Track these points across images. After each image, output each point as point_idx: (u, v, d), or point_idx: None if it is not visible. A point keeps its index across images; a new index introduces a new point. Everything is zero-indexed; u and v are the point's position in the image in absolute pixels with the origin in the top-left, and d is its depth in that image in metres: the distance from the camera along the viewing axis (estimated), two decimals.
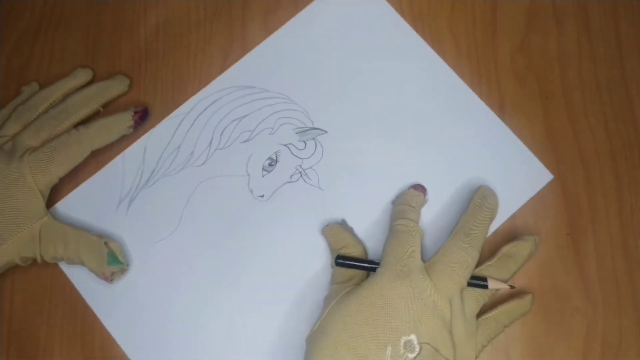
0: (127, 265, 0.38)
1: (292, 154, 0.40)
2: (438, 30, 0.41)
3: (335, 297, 0.33)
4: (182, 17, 0.43)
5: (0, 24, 0.44)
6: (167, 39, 0.43)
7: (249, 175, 0.39)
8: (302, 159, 0.40)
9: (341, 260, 0.35)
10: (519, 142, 0.39)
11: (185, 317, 0.37)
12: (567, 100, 0.39)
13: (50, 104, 0.40)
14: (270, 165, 0.39)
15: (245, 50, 0.42)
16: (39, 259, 0.37)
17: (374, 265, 0.34)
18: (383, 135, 0.39)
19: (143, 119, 0.40)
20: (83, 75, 0.41)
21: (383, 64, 0.41)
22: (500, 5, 0.41)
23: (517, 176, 0.38)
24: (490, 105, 0.39)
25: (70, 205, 0.40)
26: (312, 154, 0.39)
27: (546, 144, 0.39)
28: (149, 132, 0.40)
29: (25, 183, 0.37)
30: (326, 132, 0.40)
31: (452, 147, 0.39)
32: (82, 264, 0.37)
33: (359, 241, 0.37)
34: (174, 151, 0.40)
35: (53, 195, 0.40)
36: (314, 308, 0.36)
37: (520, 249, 0.35)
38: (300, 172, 0.39)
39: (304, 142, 0.40)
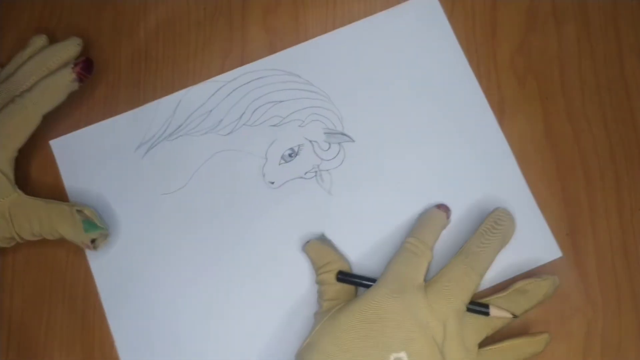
0: (107, 229, 0.37)
1: (314, 151, 0.40)
2: None
3: (327, 314, 0.33)
4: (182, 17, 0.43)
5: (0, 24, 0.44)
6: (167, 39, 0.43)
7: (266, 159, 0.40)
8: (322, 159, 0.39)
9: (342, 277, 0.35)
10: (539, 213, 0.37)
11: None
12: (567, 100, 0.39)
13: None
14: (290, 155, 0.39)
15: (245, 50, 0.42)
16: (17, 238, 0.36)
17: (374, 282, 0.34)
18: (406, 159, 0.39)
19: (87, 70, 0.38)
20: (37, 42, 0.40)
21: (428, 92, 0.40)
22: (500, 5, 0.41)
23: (526, 243, 0.36)
24: (491, 105, 0.39)
25: (95, 134, 0.41)
26: (334, 158, 0.39)
27: (546, 144, 0.39)
28: (187, 89, 0.41)
29: None
30: (353, 141, 0.40)
31: (472, 186, 0.38)
32: (61, 236, 0.36)
33: (342, 256, 0.36)
34: (204, 114, 0.41)
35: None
36: (302, 307, 0.36)
37: (537, 287, 0.33)
38: (316, 172, 0.39)
39: (329, 143, 0.40)
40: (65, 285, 0.39)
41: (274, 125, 0.40)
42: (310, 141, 0.40)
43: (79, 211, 0.36)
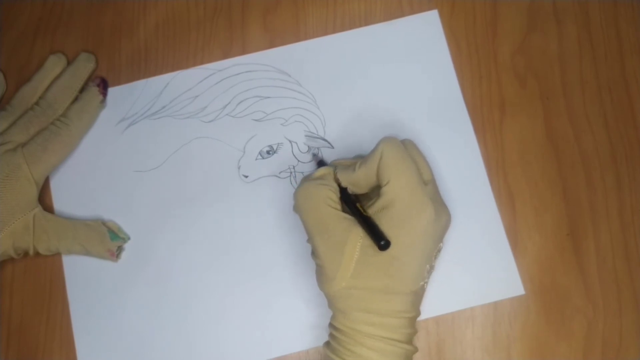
0: (129, 237, 0.39)
1: (292, 152, 0.40)
2: None
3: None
4: (182, 16, 0.43)
5: (0, 24, 0.44)
6: (167, 39, 0.43)
7: (244, 152, 0.40)
8: (298, 161, 0.40)
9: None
10: (508, 249, 0.37)
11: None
12: (567, 100, 0.39)
13: (36, 100, 0.40)
14: (268, 152, 0.40)
15: (245, 50, 0.42)
16: (31, 251, 0.37)
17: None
18: None
19: (106, 88, 0.41)
20: (57, 63, 0.42)
21: (415, 109, 0.40)
22: (500, 5, 0.41)
23: (492, 275, 0.37)
24: (491, 105, 0.39)
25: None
26: (310, 161, 0.39)
27: (547, 144, 0.39)
28: (177, 72, 0.41)
29: (21, 173, 0.37)
30: (332, 147, 0.40)
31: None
32: (86, 251, 0.38)
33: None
34: (190, 98, 0.41)
35: None
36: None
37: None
38: (291, 172, 0.39)
39: (308, 146, 0.40)
40: (66, 285, 0.39)
41: (256, 120, 0.40)
42: (290, 141, 0.40)
43: (102, 224, 0.39)
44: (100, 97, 0.41)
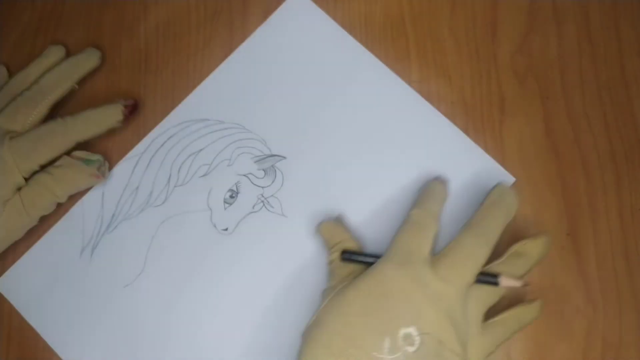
0: (101, 156, 0.39)
1: (253, 183, 0.39)
2: (438, 30, 0.41)
3: (333, 292, 0.32)
4: (182, 17, 0.43)
5: (0, 23, 0.44)
6: (167, 39, 0.43)
7: (210, 209, 0.39)
8: (263, 187, 0.39)
9: (346, 256, 0.34)
10: (480, 150, 0.38)
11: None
12: (567, 100, 0.39)
13: (27, 86, 0.39)
14: (231, 197, 0.39)
15: None
16: (34, 220, 0.38)
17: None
18: (342, 154, 0.39)
19: (132, 113, 0.40)
20: (56, 53, 0.41)
21: (334, 85, 0.40)
22: (500, 5, 0.41)
23: (477, 177, 0.38)
24: (491, 105, 0.39)
25: (34, 258, 0.39)
26: (273, 182, 0.39)
27: (546, 144, 0.39)
28: (104, 179, 0.40)
29: (6, 167, 0.36)
30: (284, 157, 0.39)
31: (412, 154, 0.38)
32: (77, 188, 0.38)
33: (354, 237, 0.36)
34: (132, 193, 0.40)
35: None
36: (289, 340, 0.35)
37: (532, 247, 0.33)
38: (262, 202, 0.39)
39: (263, 170, 0.39)
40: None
41: (204, 175, 0.39)
42: (245, 175, 0.39)
43: (70, 157, 0.38)
44: (121, 116, 0.39)
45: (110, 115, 0.39)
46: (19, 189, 0.37)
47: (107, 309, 0.38)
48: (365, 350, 0.29)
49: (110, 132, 0.40)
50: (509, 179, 0.38)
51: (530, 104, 0.39)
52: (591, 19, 0.41)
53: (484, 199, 0.34)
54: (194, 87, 0.41)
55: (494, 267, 0.33)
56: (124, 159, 0.40)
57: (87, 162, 0.38)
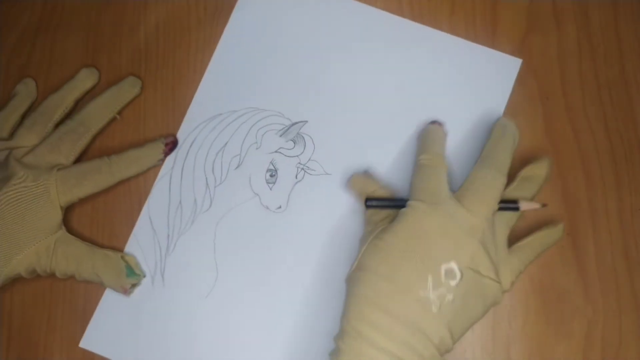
0: (145, 275, 0.39)
1: (287, 156, 0.40)
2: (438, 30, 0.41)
3: (370, 236, 0.33)
4: (182, 17, 0.43)
5: (0, 24, 0.44)
6: (167, 39, 0.43)
7: (257, 194, 0.39)
8: (298, 156, 0.40)
9: (371, 202, 0.35)
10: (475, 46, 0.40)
11: None
12: (567, 100, 0.39)
13: (64, 110, 0.40)
14: (271, 176, 0.39)
15: None
16: (48, 271, 0.37)
17: (404, 202, 0.34)
18: (362, 103, 0.40)
19: (172, 149, 0.40)
20: (90, 77, 0.41)
21: (329, 38, 0.41)
22: (500, 5, 0.41)
23: (491, 75, 0.39)
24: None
25: (108, 306, 0.39)
26: (305, 147, 0.40)
27: (546, 144, 0.39)
28: (146, 204, 0.40)
29: (48, 199, 0.37)
30: (306, 121, 0.40)
31: (434, 84, 0.40)
32: (100, 281, 0.37)
33: (385, 185, 0.37)
34: (177, 208, 0.40)
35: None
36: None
37: (537, 170, 0.35)
38: (303, 169, 0.39)
39: (292, 140, 0.40)
40: (66, 285, 0.39)
41: (237, 167, 0.40)
42: (276, 151, 0.40)
43: (121, 257, 0.38)
44: (162, 155, 0.39)
45: (152, 155, 0.39)
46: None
47: (195, 319, 0.38)
48: (411, 291, 0.30)
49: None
50: (516, 62, 0.39)
51: (530, 104, 0.39)
52: (591, 19, 0.41)
53: (490, 134, 0.36)
54: (194, 86, 0.41)
55: (508, 192, 0.35)
56: (156, 180, 0.40)
57: (130, 272, 0.37)
